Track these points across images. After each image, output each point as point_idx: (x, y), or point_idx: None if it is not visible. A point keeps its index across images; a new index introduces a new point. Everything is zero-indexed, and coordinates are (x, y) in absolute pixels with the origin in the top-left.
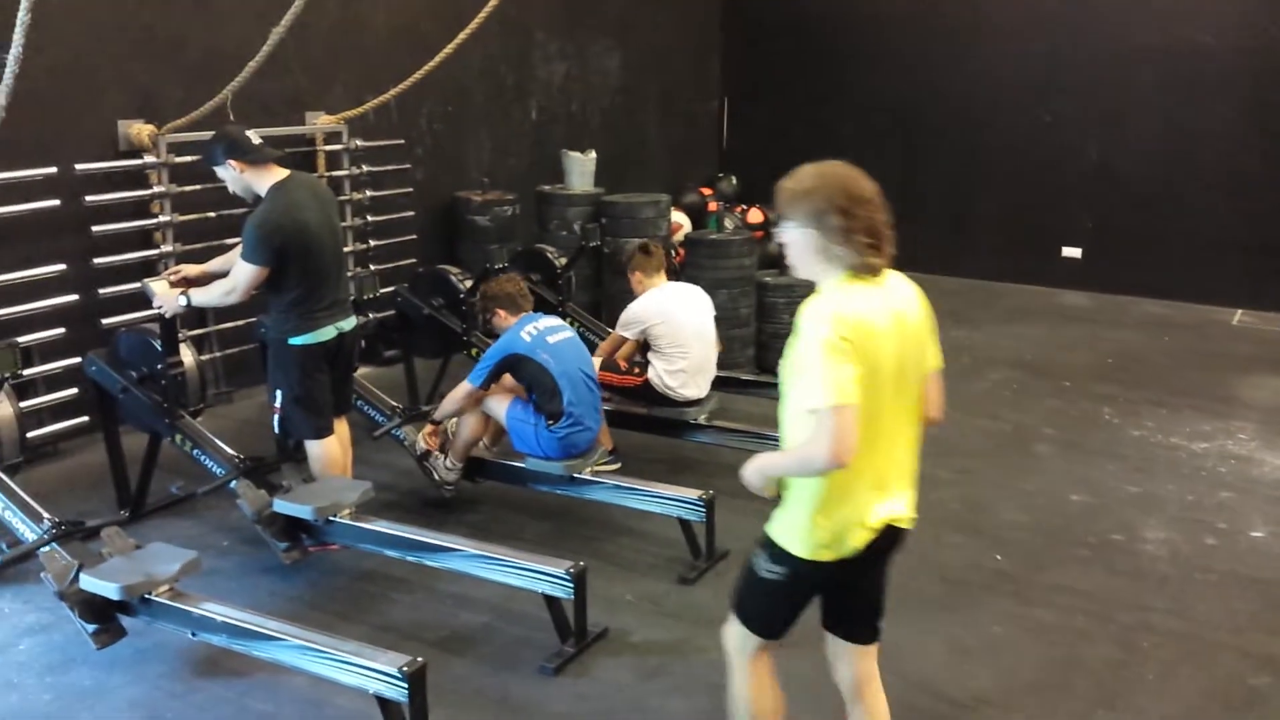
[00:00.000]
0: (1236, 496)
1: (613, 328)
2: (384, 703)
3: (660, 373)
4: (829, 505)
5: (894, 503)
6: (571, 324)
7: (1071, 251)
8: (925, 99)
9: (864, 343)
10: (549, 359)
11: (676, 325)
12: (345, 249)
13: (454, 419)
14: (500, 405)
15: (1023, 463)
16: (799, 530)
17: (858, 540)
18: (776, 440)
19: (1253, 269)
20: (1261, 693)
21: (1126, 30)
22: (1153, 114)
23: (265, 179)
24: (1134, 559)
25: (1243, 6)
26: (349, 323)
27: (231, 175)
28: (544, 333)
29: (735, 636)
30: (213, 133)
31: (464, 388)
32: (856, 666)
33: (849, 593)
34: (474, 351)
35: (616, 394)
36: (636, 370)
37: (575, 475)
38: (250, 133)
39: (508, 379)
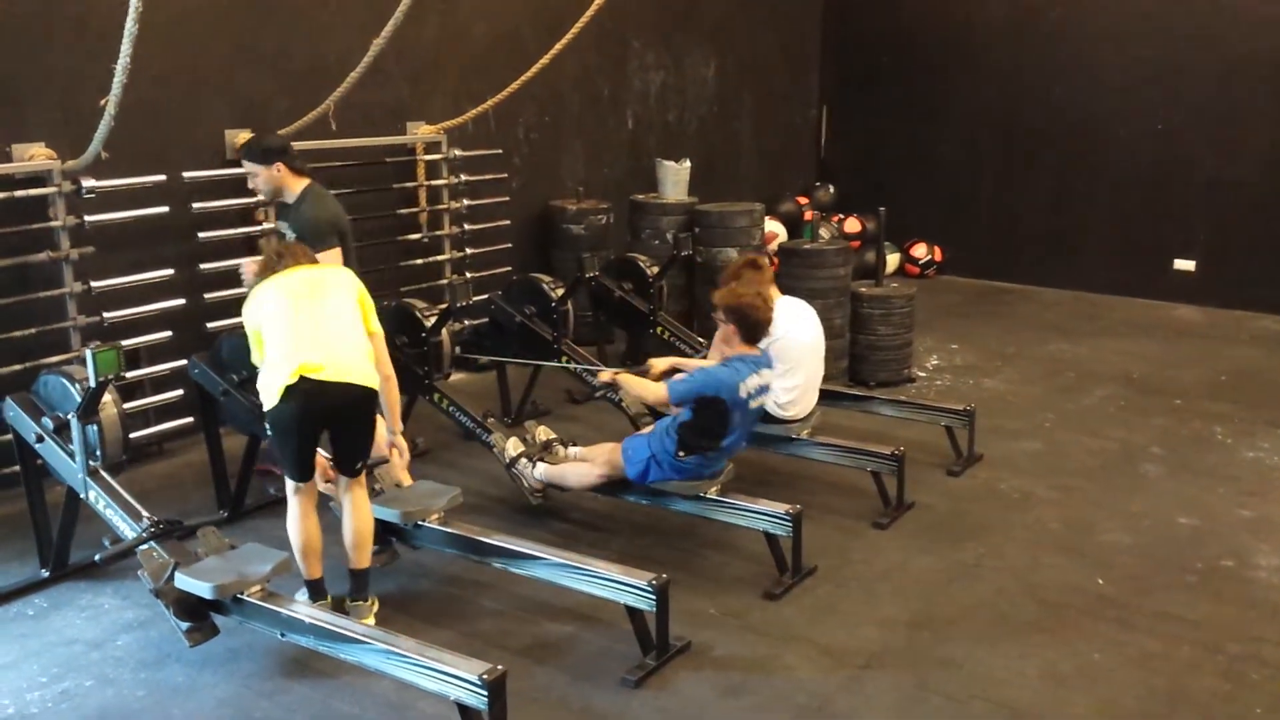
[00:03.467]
0: None
1: (703, 338)
2: (464, 709)
3: (777, 391)
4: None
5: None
6: (663, 333)
7: (1184, 264)
8: (1028, 108)
9: None
10: (739, 417)
11: (795, 342)
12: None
13: (544, 430)
14: (616, 459)
15: (1128, 483)
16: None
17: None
18: (872, 454)
19: None
20: None
21: (1238, 36)
22: (1268, 122)
23: (298, 184)
24: (1245, 587)
25: None
26: None
27: (272, 176)
28: (755, 394)
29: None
30: (255, 135)
31: (659, 390)
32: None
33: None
34: (564, 359)
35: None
36: None
37: (701, 495)
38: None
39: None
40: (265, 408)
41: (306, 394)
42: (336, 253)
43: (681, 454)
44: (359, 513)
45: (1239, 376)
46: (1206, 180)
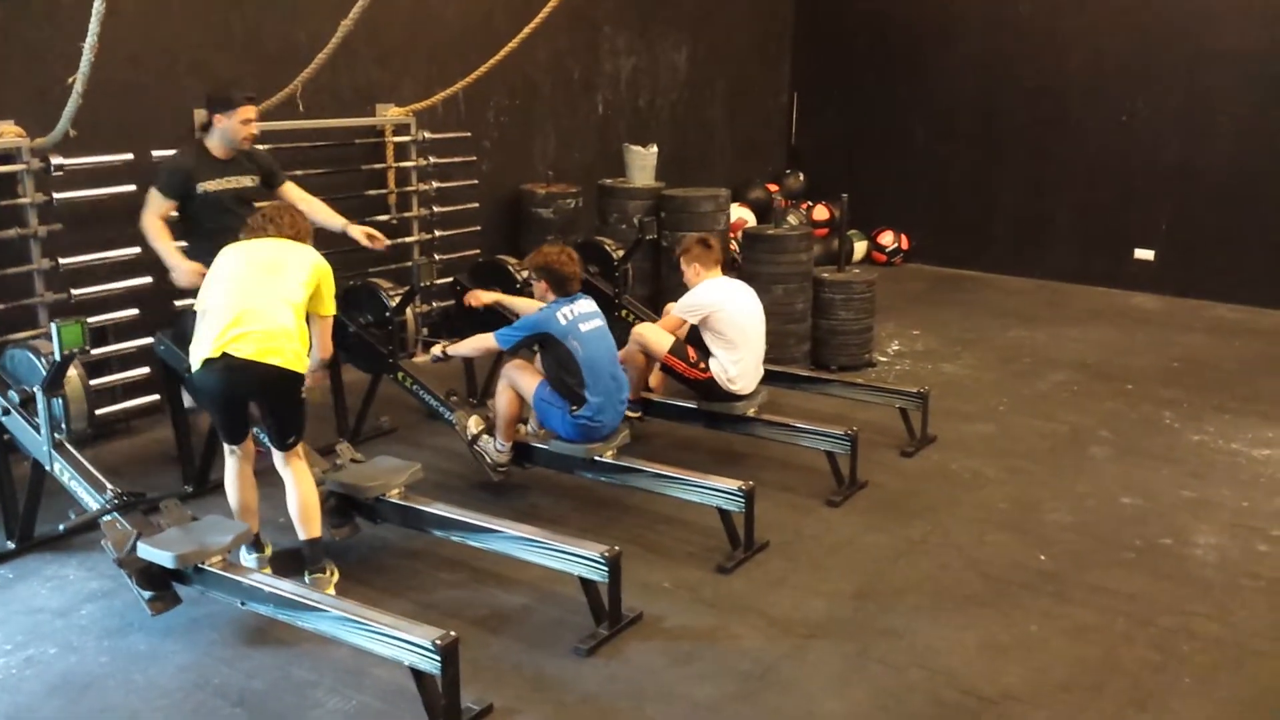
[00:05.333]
0: None
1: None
2: (418, 674)
3: (725, 364)
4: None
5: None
6: (627, 316)
7: (1144, 253)
8: (998, 98)
9: None
10: (578, 346)
11: (735, 312)
12: (405, 238)
13: (492, 404)
14: (529, 384)
15: (1076, 464)
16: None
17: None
18: (824, 434)
19: None
20: None
21: (1204, 29)
22: (1230, 115)
23: None
24: (1180, 563)
25: None
26: None
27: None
28: (578, 319)
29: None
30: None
31: (488, 340)
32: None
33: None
34: None
35: (681, 383)
36: (702, 365)
37: (597, 458)
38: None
39: (538, 361)
40: (191, 370)
41: (225, 369)
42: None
43: (574, 408)
44: (301, 484)
45: (1190, 363)
46: (1169, 171)
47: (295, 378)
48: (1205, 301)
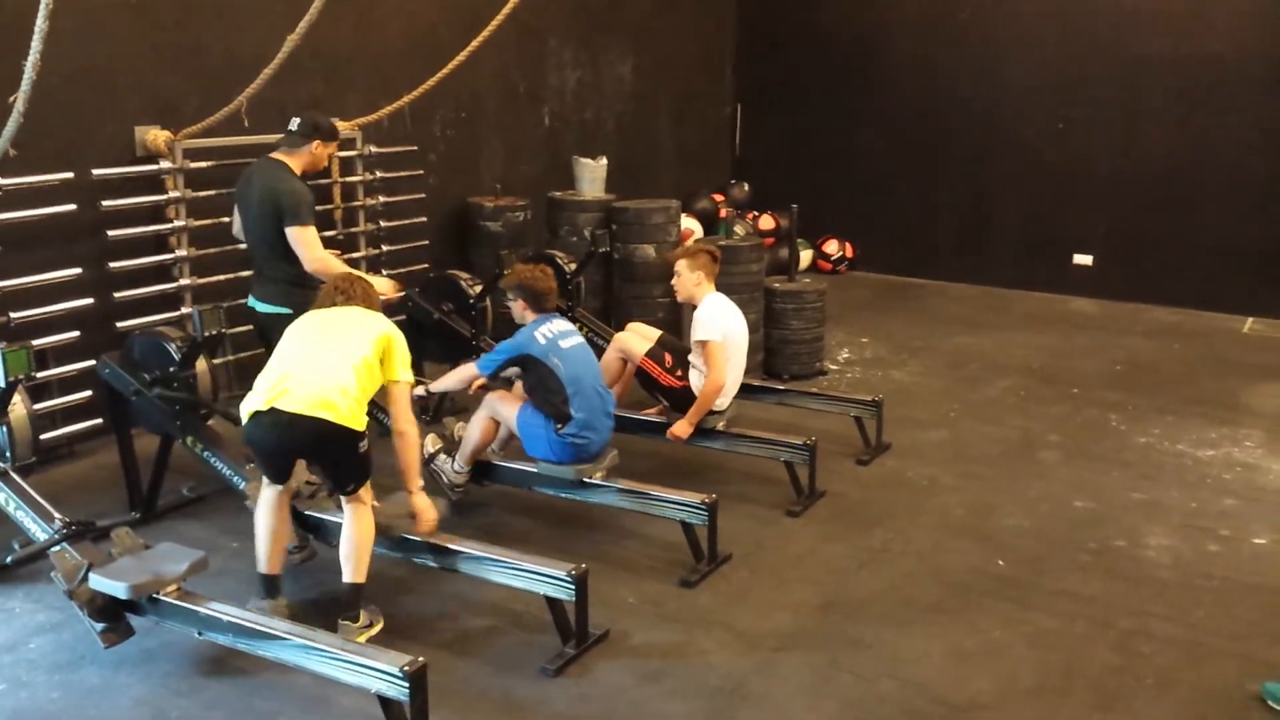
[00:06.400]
0: (1240, 504)
1: (622, 332)
2: (385, 702)
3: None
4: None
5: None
6: (581, 329)
7: (1083, 259)
8: (938, 107)
9: None
10: (559, 364)
11: (737, 338)
12: (352, 254)
13: (461, 425)
14: (510, 410)
15: (1028, 469)
16: None
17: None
18: (786, 445)
19: (1265, 277)
20: (1260, 699)
21: (1141, 38)
22: (1165, 122)
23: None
24: (1136, 565)
25: (1257, 16)
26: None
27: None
28: (557, 337)
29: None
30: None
31: (469, 370)
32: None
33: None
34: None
35: (654, 389)
36: (679, 374)
37: (586, 479)
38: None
39: (518, 386)
40: (240, 422)
41: (273, 424)
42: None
43: (559, 427)
44: (357, 525)
45: (1132, 366)
46: (1104, 177)
47: (349, 434)
48: (1143, 305)
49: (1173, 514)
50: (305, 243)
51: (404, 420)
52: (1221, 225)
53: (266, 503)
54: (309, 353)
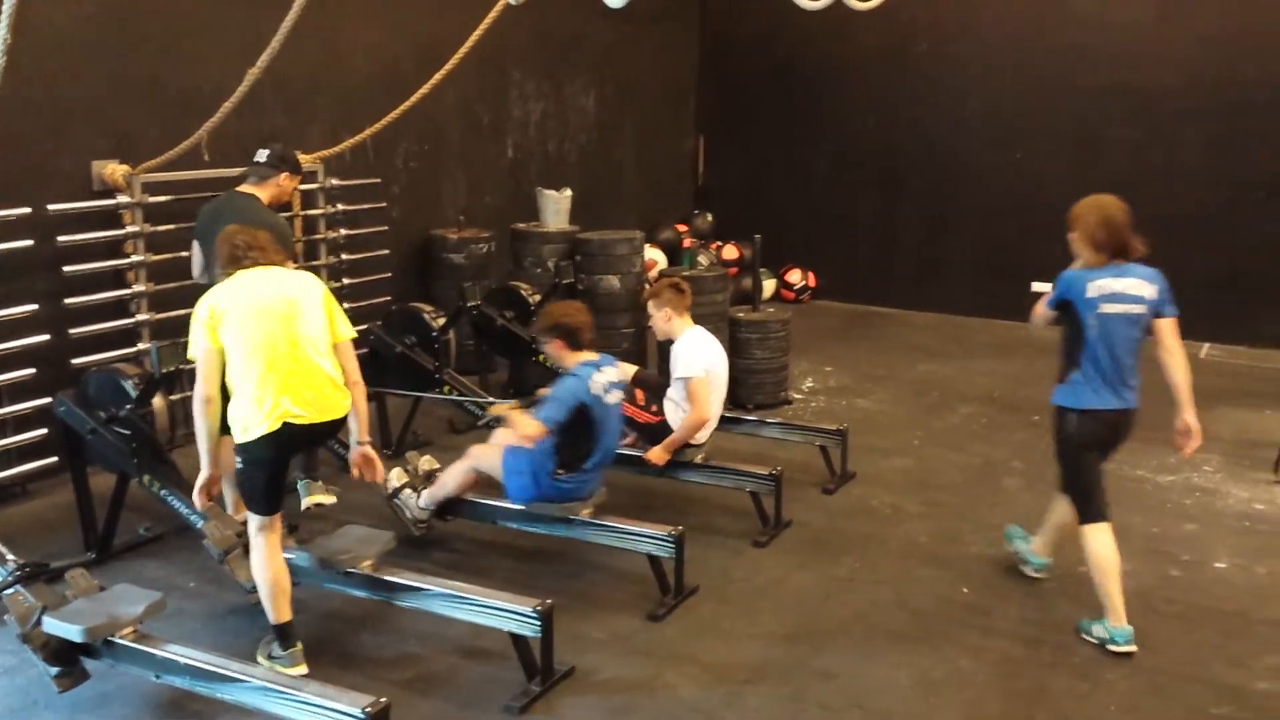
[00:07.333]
0: (1200, 528)
1: None
2: None
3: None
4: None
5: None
6: (545, 361)
7: (1042, 286)
8: (899, 138)
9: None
10: (602, 419)
11: (719, 373)
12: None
13: (429, 460)
14: (494, 461)
15: (991, 496)
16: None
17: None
18: (751, 475)
19: (1219, 303)
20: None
21: (1096, 70)
22: (1120, 151)
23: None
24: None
25: (1207, 47)
26: None
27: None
28: (607, 390)
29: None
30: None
31: (533, 425)
32: None
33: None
34: (445, 389)
35: (629, 426)
36: (654, 409)
37: (571, 517)
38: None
39: (500, 434)
40: (236, 441)
41: (288, 437)
42: None
43: (560, 472)
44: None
45: None
46: (1062, 206)
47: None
48: None
49: (1134, 539)
50: None
51: (357, 372)
52: (1176, 252)
53: (261, 552)
54: (282, 355)
